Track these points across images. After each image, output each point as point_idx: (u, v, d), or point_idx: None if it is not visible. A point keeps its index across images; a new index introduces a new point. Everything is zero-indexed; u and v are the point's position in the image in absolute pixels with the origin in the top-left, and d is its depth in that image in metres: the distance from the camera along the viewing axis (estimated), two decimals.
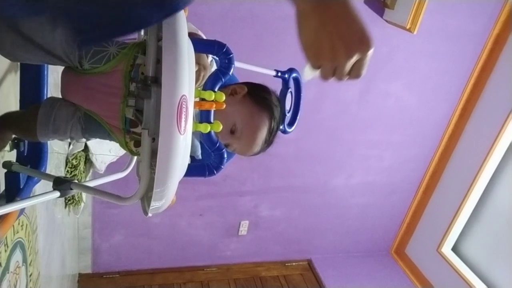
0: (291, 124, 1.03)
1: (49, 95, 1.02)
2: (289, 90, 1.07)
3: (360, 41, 0.52)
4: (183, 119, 0.59)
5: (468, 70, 2.68)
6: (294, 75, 1.01)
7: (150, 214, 0.71)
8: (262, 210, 2.94)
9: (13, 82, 1.12)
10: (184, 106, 0.58)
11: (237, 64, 0.87)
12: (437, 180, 3.07)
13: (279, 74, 1.04)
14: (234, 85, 0.86)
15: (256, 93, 0.88)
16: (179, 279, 2.91)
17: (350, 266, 3.27)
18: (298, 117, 1.06)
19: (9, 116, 0.94)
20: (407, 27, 2.16)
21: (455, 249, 3.02)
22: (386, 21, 2.32)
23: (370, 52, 0.53)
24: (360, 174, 2.98)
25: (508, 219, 2.63)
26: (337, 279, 3.10)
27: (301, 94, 1.07)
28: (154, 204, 0.67)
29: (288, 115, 1.08)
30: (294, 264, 3.24)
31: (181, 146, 0.60)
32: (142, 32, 0.89)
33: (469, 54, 2.62)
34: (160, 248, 2.88)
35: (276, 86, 1.21)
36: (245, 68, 1.02)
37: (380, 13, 2.32)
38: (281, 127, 1.07)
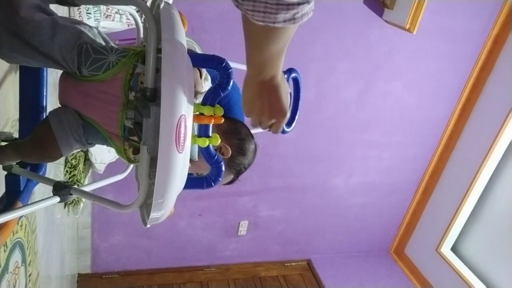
0: (289, 124, 1.03)
1: (48, 96, 1.02)
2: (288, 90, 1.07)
3: (279, 112, 0.71)
4: (181, 139, 0.59)
5: (468, 70, 2.68)
6: (293, 75, 1.00)
7: (149, 225, 0.72)
8: (261, 210, 2.94)
9: (13, 82, 1.12)
10: (183, 125, 0.59)
11: (237, 65, 0.87)
12: (436, 180, 3.07)
13: None
14: (224, 144, 0.85)
15: (234, 159, 0.88)
16: (178, 279, 2.91)
17: (349, 266, 3.27)
18: (296, 117, 1.06)
19: (19, 146, 0.91)
20: (407, 27, 2.16)
21: (454, 249, 3.02)
22: (386, 21, 2.32)
23: (285, 120, 0.74)
24: (359, 174, 2.98)
25: (508, 219, 2.63)
26: (337, 279, 3.10)
27: (300, 94, 1.07)
28: (153, 215, 0.68)
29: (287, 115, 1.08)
30: (293, 264, 3.24)
31: (179, 163, 0.61)
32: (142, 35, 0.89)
33: (468, 54, 2.62)
34: (159, 248, 2.88)
35: None
36: (244, 69, 1.01)
37: (380, 13, 2.32)
38: None
